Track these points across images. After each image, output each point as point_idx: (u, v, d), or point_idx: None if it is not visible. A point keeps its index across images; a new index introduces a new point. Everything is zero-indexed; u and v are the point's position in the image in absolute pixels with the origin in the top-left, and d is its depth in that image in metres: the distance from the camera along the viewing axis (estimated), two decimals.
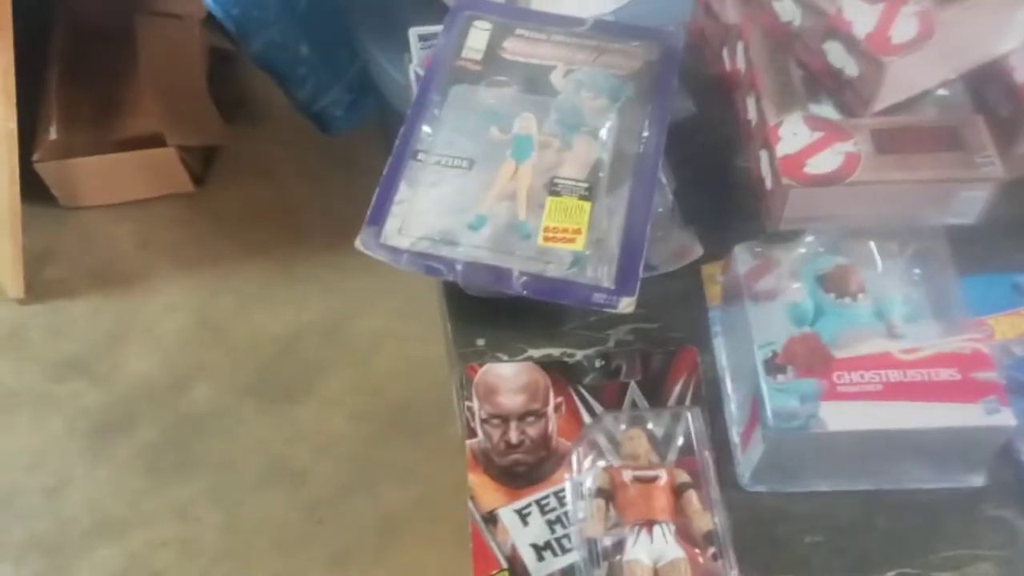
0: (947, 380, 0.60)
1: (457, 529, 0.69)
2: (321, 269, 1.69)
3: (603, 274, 0.68)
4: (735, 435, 0.66)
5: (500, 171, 0.73)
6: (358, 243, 0.70)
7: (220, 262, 1.75)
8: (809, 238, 0.68)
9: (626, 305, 0.66)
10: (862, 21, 0.67)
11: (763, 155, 0.71)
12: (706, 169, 0.81)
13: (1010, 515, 0.63)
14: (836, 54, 0.69)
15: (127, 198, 1.81)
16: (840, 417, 0.59)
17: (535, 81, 0.79)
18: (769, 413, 0.60)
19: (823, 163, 0.68)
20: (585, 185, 0.72)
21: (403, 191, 0.73)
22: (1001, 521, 0.62)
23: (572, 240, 0.69)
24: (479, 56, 0.81)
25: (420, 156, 0.74)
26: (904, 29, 0.66)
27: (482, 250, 0.69)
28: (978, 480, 0.64)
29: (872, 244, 0.68)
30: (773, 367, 0.62)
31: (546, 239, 0.69)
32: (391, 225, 0.71)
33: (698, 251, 0.75)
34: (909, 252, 0.69)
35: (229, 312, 1.68)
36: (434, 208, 0.72)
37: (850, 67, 0.68)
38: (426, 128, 0.76)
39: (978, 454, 0.62)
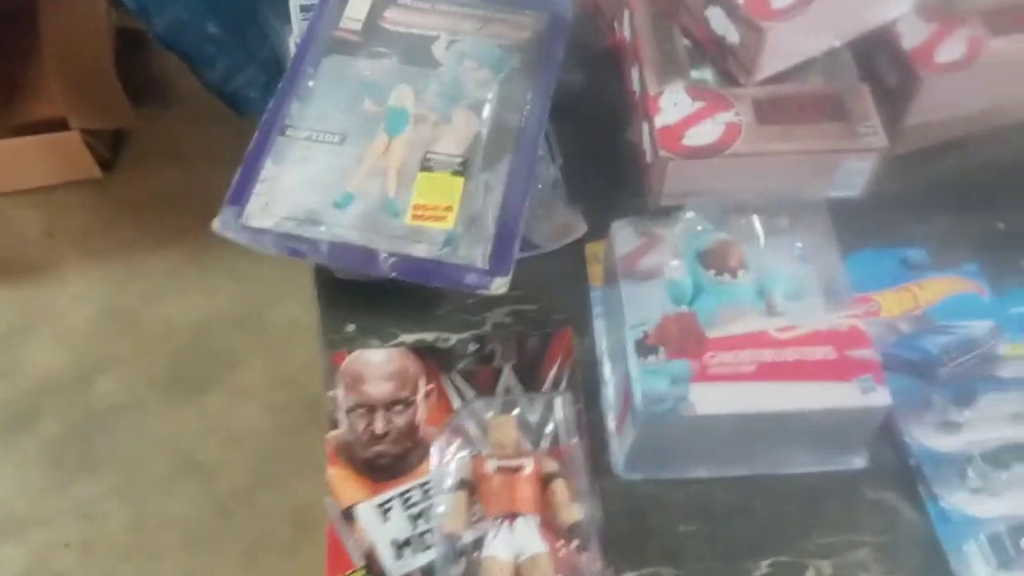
0: (822, 359, 0.58)
1: None
2: (234, 257, 1.61)
3: (476, 254, 0.64)
4: (611, 421, 0.63)
5: (372, 146, 0.69)
6: (216, 224, 0.65)
7: (129, 250, 1.69)
8: (689, 214, 0.65)
9: (499, 286, 0.63)
10: None
11: (644, 127, 0.68)
12: (593, 144, 0.77)
13: (891, 498, 0.60)
14: (718, 20, 0.66)
15: (31, 184, 1.74)
16: (710, 400, 0.56)
17: (416, 52, 0.75)
18: (638, 396, 0.57)
19: (702, 134, 0.65)
20: (459, 160, 0.68)
21: (268, 168, 0.68)
22: (882, 504, 0.60)
23: (443, 218, 0.66)
24: (358, 26, 0.77)
25: (288, 131, 0.70)
26: None
27: (349, 230, 0.65)
28: (859, 462, 0.61)
29: (756, 219, 0.65)
30: (644, 348, 0.59)
31: (415, 217, 0.66)
32: (254, 204, 0.67)
33: (582, 228, 0.72)
34: (793, 227, 0.67)
35: (138, 302, 1.62)
36: (301, 186, 0.68)
37: (731, 34, 0.65)
38: (296, 102, 0.71)
39: (856, 435, 0.60)
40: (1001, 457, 0.59)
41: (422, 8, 0.78)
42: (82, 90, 1.71)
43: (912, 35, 0.69)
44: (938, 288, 0.69)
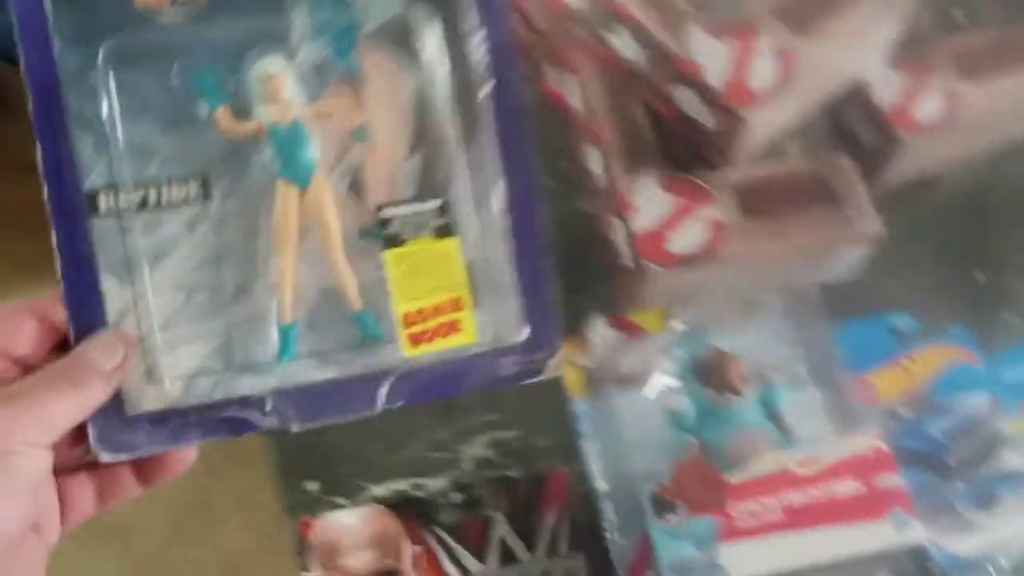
0: (850, 495, 0.54)
1: None
2: None
3: (502, 328, 0.42)
4: (619, 566, 0.58)
5: (279, 212, 0.40)
6: (96, 449, 0.38)
7: None
8: (677, 325, 0.59)
9: (555, 365, 0.42)
10: (715, 66, 0.57)
11: (617, 225, 0.61)
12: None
13: None
14: (689, 102, 0.59)
15: None
16: (743, 561, 0.52)
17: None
18: (665, 567, 0.51)
19: (687, 237, 0.58)
20: (435, 204, 0.41)
21: (112, 292, 0.39)
22: None
23: (456, 327, 0.41)
24: None
25: (103, 203, 0.39)
26: (763, 73, 0.57)
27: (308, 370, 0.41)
28: None
29: (742, 303, 0.61)
30: (661, 504, 0.53)
31: (414, 340, 0.41)
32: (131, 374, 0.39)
33: None
34: (776, 307, 0.62)
35: None
36: (183, 306, 0.41)
37: (705, 118, 0.58)
38: (82, 134, 0.39)
39: (886, 562, 0.56)
40: None
41: None
42: None
43: (886, 90, 0.64)
44: (931, 360, 0.66)
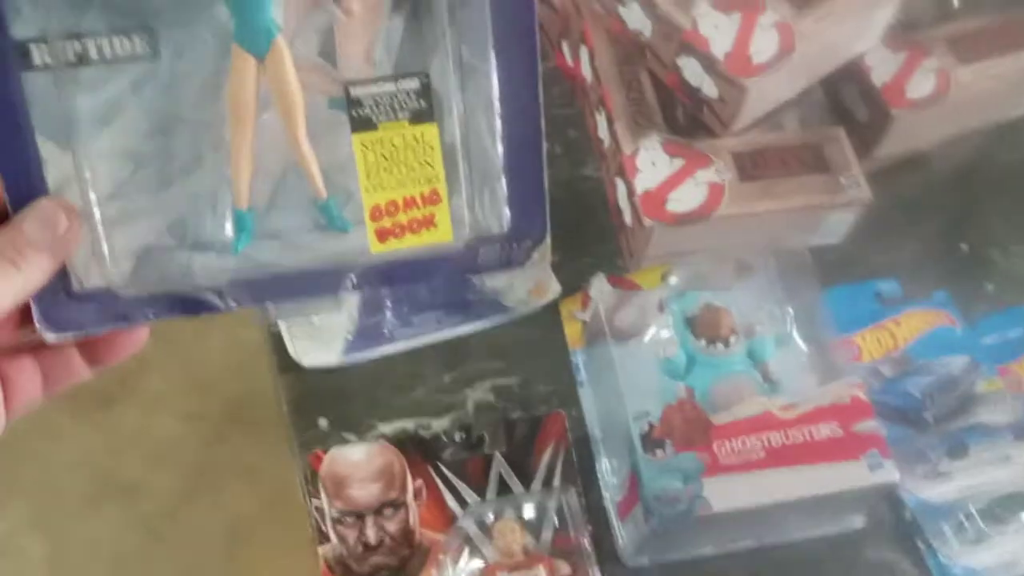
0: (829, 437, 0.57)
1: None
2: None
3: (483, 215, 0.38)
4: (611, 503, 0.61)
5: (233, 82, 0.36)
6: (41, 328, 0.36)
7: None
8: (673, 280, 0.62)
9: (540, 255, 0.39)
10: (719, 38, 0.60)
11: (619, 184, 0.65)
12: (550, 181, 0.73)
13: (891, 557, 0.61)
14: (692, 71, 0.62)
15: None
16: (725, 495, 0.55)
17: None
18: (651, 497, 0.55)
19: (686, 197, 0.62)
20: (414, 83, 0.37)
21: (52, 159, 0.35)
22: (883, 565, 0.61)
23: (430, 222, 0.38)
24: None
25: (36, 54, 0.35)
26: (764, 46, 0.60)
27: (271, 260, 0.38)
28: (858, 522, 0.62)
29: (735, 264, 0.64)
30: (650, 442, 0.57)
31: (381, 235, 0.38)
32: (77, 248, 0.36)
33: (556, 289, 0.68)
34: (773, 268, 0.65)
35: None
36: (137, 175, 0.37)
37: (708, 87, 0.62)
38: None
39: (861, 503, 0.60)
40: (995, 510, 0.61)
41: None
42: None
43: (881, 68, 0.67)
44: (914, 324, 0.69)
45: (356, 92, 0.36)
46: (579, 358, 0.66)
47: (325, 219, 0.38)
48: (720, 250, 0.64)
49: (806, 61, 0.62)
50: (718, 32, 0.60)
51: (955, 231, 0.74)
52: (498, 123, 0.37)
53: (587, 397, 0.65)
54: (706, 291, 0.63)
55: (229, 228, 0.37)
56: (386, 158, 0.37)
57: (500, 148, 0.38)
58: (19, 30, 0.34)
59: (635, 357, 0.61)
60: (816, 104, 0.68)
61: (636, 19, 0.63)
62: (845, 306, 0.68)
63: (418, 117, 0.36)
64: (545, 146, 0.38)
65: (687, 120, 0.65)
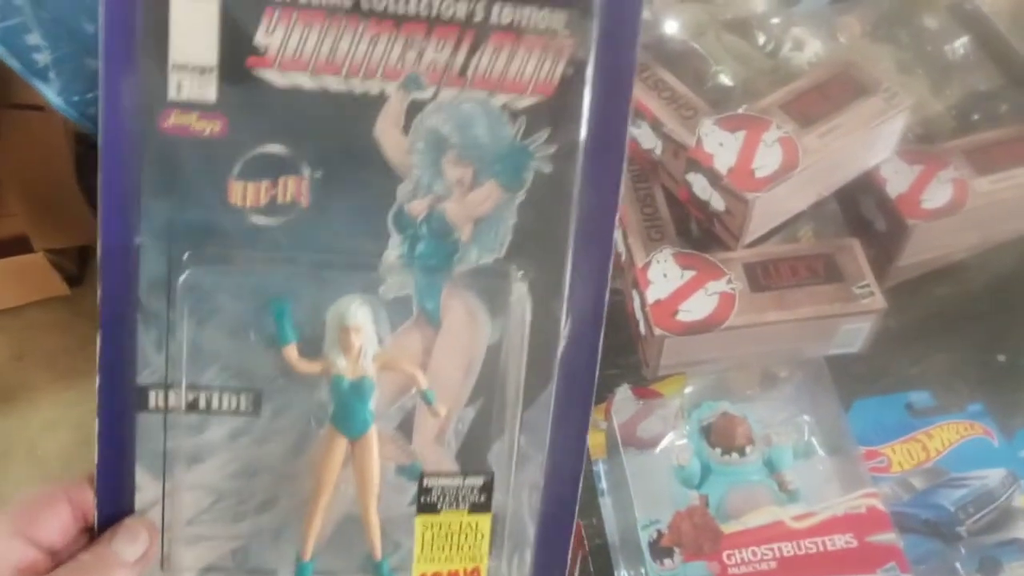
0: (843, 548, 0.56)
1: None
2: None
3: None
4: None
5: (323, 455, 0.41)
6: None
7: None
8: (688, 389, 0.64)
9: None
10: (723, 154, 0.63)
11: (635, 295, 0.67)
12: None
13: None
14: (700, 186, 0.65)
15: None
16: None
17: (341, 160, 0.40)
18: None
19: (697, 308, 0.63)
20: (478, 482, 0.42)
21: (145, 485, 0.41)
22: None
23: None
24: (209, 93, 0.38)
25: (153, 399, 0.40)
26: (768, 161, 0.62)
27: None
28: None
29: (760, 373, 0.65)
30: (659, 550, 0.57)
31: None
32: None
33: None
34: (791, 376, 0.66)
35: None
36: (209, 507, 0.42)
37: (716, 201, 0.64)
38: (146, 329, 0.40)
39: None
40: None
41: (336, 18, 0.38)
42: (45, 209, 1.67)
43: (897, 180, 0.68)
44: (947, 435, 0.67)
45: (428, 482, 0.42)
46: (600, 467, 0.67)
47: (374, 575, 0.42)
48: (738, 359, 0.64)
49: (813, 175, 0.64)
50: (723, 148, 0.63)
51: (992, 341, 0.73)
52: (538, 501, 0.43)
53: (607, 506, 0.66)
54: (724, 400, 0.64)
55: (285, 561, 0.42)
56: (441, 537, 0.42)
57: (533, 524, 0.43)
58: (145, 377, 0.40)
59: (650, 466, 0.62)
60: (832, 215, 0.69)
61: (647, 138, 0.67)
62: (874, 418, 0.67)
63: (476, 508, 0.42)
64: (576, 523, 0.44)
65: (701, 233, 0.67)
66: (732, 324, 0.63)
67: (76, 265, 1.73)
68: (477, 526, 0.42)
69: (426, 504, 0.42)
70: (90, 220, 1.70)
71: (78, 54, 1.13)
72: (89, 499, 0.40)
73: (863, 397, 0.68)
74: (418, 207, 0.40)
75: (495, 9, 0.39)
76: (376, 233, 0.40)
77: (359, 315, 0.40)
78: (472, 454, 0.42)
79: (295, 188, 0.39)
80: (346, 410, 0.40)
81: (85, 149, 1.79)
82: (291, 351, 0.40)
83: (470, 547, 0.42)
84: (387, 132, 0.39)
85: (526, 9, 0.39)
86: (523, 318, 0.41)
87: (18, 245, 1.62)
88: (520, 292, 0.41)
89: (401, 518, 0.42)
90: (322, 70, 0.38)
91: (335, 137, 0.39)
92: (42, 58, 0.93)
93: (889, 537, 0.56)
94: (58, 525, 0.39)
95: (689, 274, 0.65)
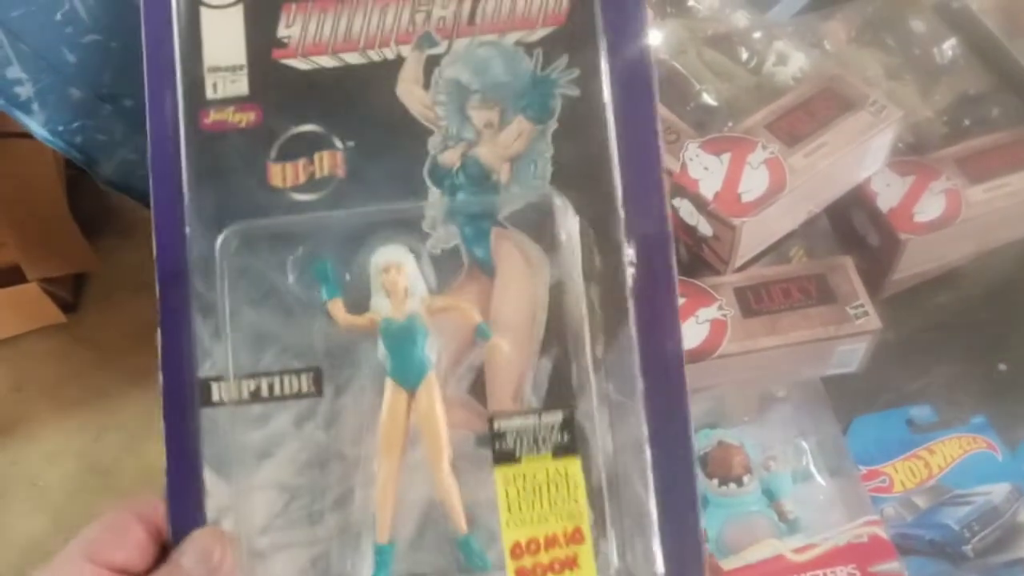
0: None
1: None
2: None
3: (633, 563, 0.38)
4: None
5: (385, 414, 0.38)
6: None
7: (104, 396, 1.62)
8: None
9: None
10: (708, 179, 0.62)
11: None
12: None
13: None
14: (687, 212, 0.63)
15: None
16: None
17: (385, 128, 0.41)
18: None
19: (689, 336, 0.62)
20: (558, 417, 0.37)
21: (214, 489, 0.39)
22: None
23: (573, 563, 0.36)
24: (241, 87, 0.42)
25: (216, 392, 0.39)
26: (754, 184, 0.61)
27: None
28: None
29: (751, 400, 0.64)
30: None
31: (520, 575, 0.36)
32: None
33: None
34: (791, 400, 0.65)
35: (117, 452, 1.57)
36: (283, 509, 0.40)
37: (703, 225, 0.63)
38: (203, 318, 0.40)
39: None
40: None
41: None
42: (36, 236, 1.67)
43: (888, 193, 0.67)
44: (949, 450, 0.66)
45: (499, 425, 0.37)
46: None
47: (464, 556, 0.37)
48: (731, 387, 0.63)
49: (802, 194, 0.63)
50: (708, 173, 0.62)
51: (992, 351, 0.72)
52: (649, 470, 0.37)
53: None
54: (719, 428, 0.63)
55: (367, 566, 0.39)
56: (528, 492, 0.36)
57: (653, 490, 0.37)
58: (204, 370, 0.39)
59: None
60: (823, 232, 0.68)
61: None
62: (875, 435, 0.66)
63: (561, 451, 0.37)
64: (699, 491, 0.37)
65: (691, 259, 0.66)
66: (724, 352, 0.62)
67: (71, 293, 1.72)
68: (566, 472, 0.36)
69: (502, 451, 0.36)
70: (84, 247, 1.69)
71: (61, 84, 1.11)
72: (161, 515, 0.39)
73: (863, 414, 0.67)
74: (451, 157, 0.40)
75: None
76: (415, 190, 0.40)
77: (397, 253, 0.39)
78: (553, 407, 0.38)
79: (331, 161, 0.41)
80: (399, 355, 0.37)
81: (77, 173, 1.79)
82: (336, 305, 0.39)
83: (563, 501, 0.36)
84: (409, 91, 0.41)
85: None
86: (580, 252, 0.38)
87: (11, 275, 1.62)
88: (572, 225, 0.39)
89: (489, 499, 0.37)
90: (341, 49, 0.41)
91: (361, 107, 0.41)
92: (24, 91, 0.92)
93: (893, 566, 0.55)
94: (133, 545, 0.38)
95: (680, 301, 0.63)
